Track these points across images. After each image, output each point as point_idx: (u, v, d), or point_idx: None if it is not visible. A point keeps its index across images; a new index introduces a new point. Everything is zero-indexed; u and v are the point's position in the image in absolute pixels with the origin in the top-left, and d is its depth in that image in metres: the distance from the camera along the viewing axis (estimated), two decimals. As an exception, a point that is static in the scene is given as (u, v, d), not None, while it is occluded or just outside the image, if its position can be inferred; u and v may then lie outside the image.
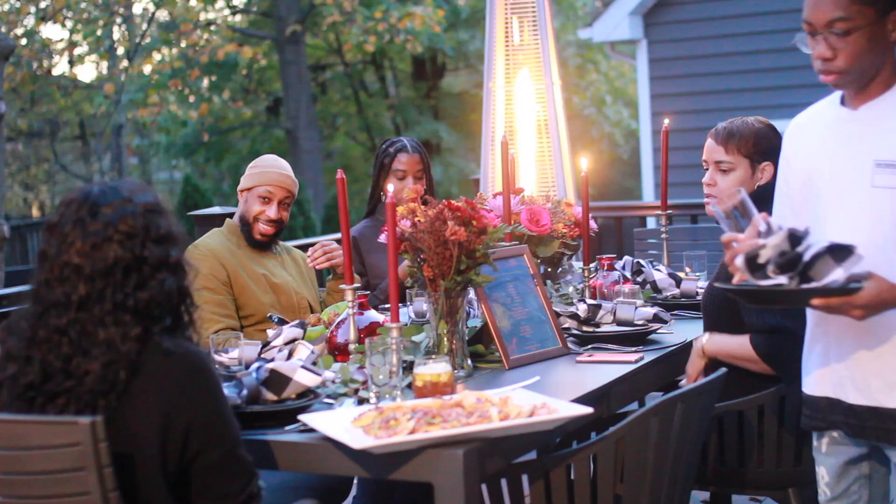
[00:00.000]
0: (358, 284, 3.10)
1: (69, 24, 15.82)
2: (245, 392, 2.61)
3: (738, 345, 3.07)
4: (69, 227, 2.22)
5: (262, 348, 2.99)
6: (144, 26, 17.08)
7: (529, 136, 5.77)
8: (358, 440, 2.30)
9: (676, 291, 3.96)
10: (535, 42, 5.74)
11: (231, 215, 4.07)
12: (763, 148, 3.25)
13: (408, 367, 2.81)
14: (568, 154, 5.82)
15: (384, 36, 15.53)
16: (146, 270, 2.22)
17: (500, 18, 5.76)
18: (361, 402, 2.71)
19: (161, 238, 2.25)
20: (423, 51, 17.10)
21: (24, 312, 2.28)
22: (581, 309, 3.46)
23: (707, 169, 3.38)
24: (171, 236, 2.27)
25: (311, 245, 4.09)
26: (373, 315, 3.23)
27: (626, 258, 4.18)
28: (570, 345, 3.31)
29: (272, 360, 2.85)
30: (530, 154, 5.77)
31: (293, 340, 3.04)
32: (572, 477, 2.57)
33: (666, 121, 4.41)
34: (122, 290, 2.20)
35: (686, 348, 3.33)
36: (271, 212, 3.86)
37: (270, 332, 3.34)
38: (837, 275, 2.27)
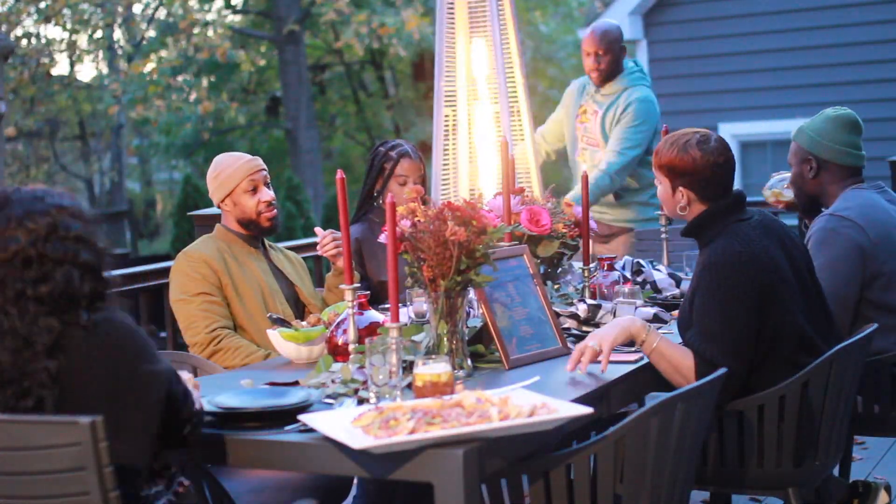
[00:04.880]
0: (358, 284, 3.09)
1: (69, 24, 15.83)
2: None
3: (681, 357, 3.05)
4: None
5: None
6: (144, 26, 17.10)
7: (488, 137, 5.62)
8: (358, 440, 2.30)
9: (676, 291, 3.96)
10: (489, 37, 5.56)
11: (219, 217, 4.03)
12: (678, 171, 3.23)
13: (408, 367, 2.81)
14: (533, 157, 5.67)
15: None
16: (48, 265, 2.28)
17: (459, 13, 5.59)
18: (361, 402, 2.71)
19: (71, 238, 2.31)
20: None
21: None
22: (581, 309, 3.47)
23: None
24: (83, 239, 2.33)
25: (311, 245, 4.08)
26: (373, 315, 3.23)
27: (626, 258, 4.19)
28: (570, 345, 3.31)
29: None
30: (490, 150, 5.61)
31: None
32: (572, 477, 2.58)
33: (665, 126, 4.41)
34: (21, 281, 2.26)
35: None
36: (265, 195, 3.84)
37: (270, 332, 3.34)
38: None
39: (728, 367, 2.92)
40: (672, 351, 3.06)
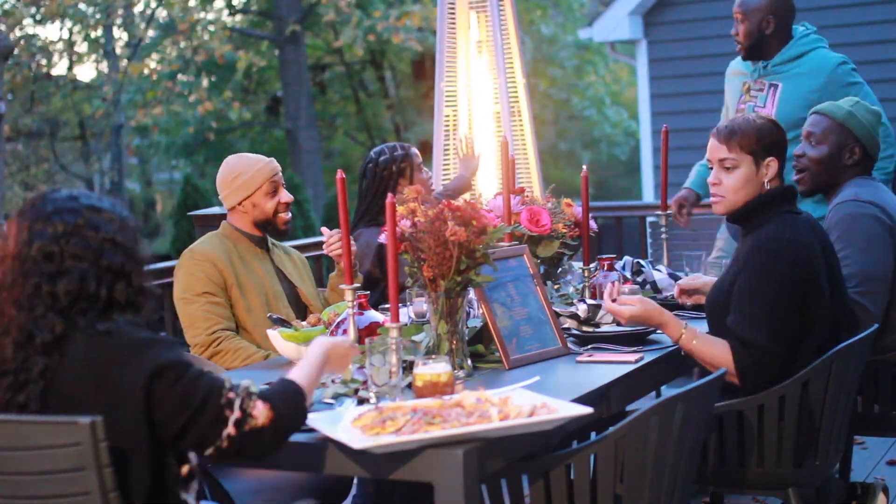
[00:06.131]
0: (358, 284, 3.09)
1: (68, 23, 15.84)
2: None
3: (719, 351, 3.09)
4: (13, 218, 2.33)
5: None
6: (143, 26, 17.10)
7: (488, 136, 5.60)
8: (358, 440, 2.30)
9: (677, 291, 3.95)
10: (490, 38, 5.54)
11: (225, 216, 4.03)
12: (766, 143, 3.22)
13: (408, 367, 2.81)
14: (534, 157, 5.65)
15: (382, 35, 15.60)
16: (67, 261, 2.27)
17: (460, 14, 5.59)
18: (361, 402, 2.71)
19: (97, 238, 2.29)
20: (422, 50, 17.14)
21: None
22: (581, 309, 3.47)
23: (712, 168, 3.28)
24: (114, 242, 2.31)
25: (311, 245, 4.08)
26: (373, 315, 3.23)
27: (626, 258, 4.18)
28: (570, 345, 3.31)
29: None
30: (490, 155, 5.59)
31: None
32: (572, 477, 2.58)
33: (665, 126, 4.41)
34: (38, 276, 2.26)
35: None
36: (285, 196, 3.92)
37: (270, 333, 3.34)
38: None
39: (769, 349, 3.02)
40: (708, 348, 3.12)
